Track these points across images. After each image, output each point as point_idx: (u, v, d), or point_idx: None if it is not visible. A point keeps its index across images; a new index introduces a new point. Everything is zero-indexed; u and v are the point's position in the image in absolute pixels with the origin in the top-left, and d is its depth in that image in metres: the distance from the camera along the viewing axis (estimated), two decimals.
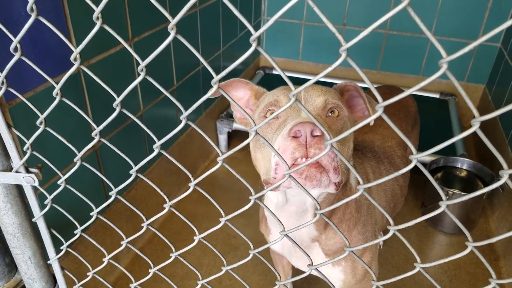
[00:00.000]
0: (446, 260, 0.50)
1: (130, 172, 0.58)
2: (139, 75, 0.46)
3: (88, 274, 0.80)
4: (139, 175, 0.59)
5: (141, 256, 1.60)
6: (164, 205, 0.61)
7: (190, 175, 0.55)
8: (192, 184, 0.55)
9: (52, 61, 1.06)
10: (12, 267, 0.88)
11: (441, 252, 1.68)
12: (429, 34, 0.36)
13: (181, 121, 0.46)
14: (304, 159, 0.62)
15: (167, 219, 1.80)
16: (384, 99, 0.36)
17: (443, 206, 0.47)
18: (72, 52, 0.85)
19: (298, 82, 2.48)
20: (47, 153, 1.09)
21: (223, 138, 2.24)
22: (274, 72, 2.74)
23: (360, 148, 1.08)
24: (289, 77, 2.61)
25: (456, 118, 2.26)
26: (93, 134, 0.57)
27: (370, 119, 0.43)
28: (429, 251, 1.69)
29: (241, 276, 1.59)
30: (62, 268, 0.83)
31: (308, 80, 2.62)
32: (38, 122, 0.61)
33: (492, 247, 1.69)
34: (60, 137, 0.63)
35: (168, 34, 1.51)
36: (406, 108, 1.32)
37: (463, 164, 1.82)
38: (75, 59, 0.51)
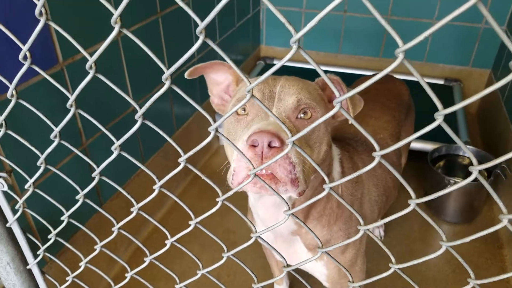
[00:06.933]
0: (420, 260, 0.46)
1: (93, 175, 0.55)
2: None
3: (67, 279, 0.78)
4: (104, 178, 0.56)
5: (137, 256, 1.60)
6: (136, 208, 0.58)
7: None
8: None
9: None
10: None
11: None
12: (383, 21, 0.32)
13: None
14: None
15: (166, 215, 1.78)
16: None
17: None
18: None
19: (299, 71, 2.42)
20: (29, 155, 1.07)
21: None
22: (275, 62, 2.69)
23: (351, 142, 1.04)
24: (290, 67, 2.56)
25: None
26: (51, 136, 0.54)
27: (330, 115, 0.40)
28: (433, 240, 1.65)
29: (239, 270, 1.57)
30: (43, 273, 0.81)
31: (310, 70, 2.51)
32: None
33: (496, 235, 1.64)
34: (22, 140, 0.60)
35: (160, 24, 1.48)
36: (399, 97, 1.27)
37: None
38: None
